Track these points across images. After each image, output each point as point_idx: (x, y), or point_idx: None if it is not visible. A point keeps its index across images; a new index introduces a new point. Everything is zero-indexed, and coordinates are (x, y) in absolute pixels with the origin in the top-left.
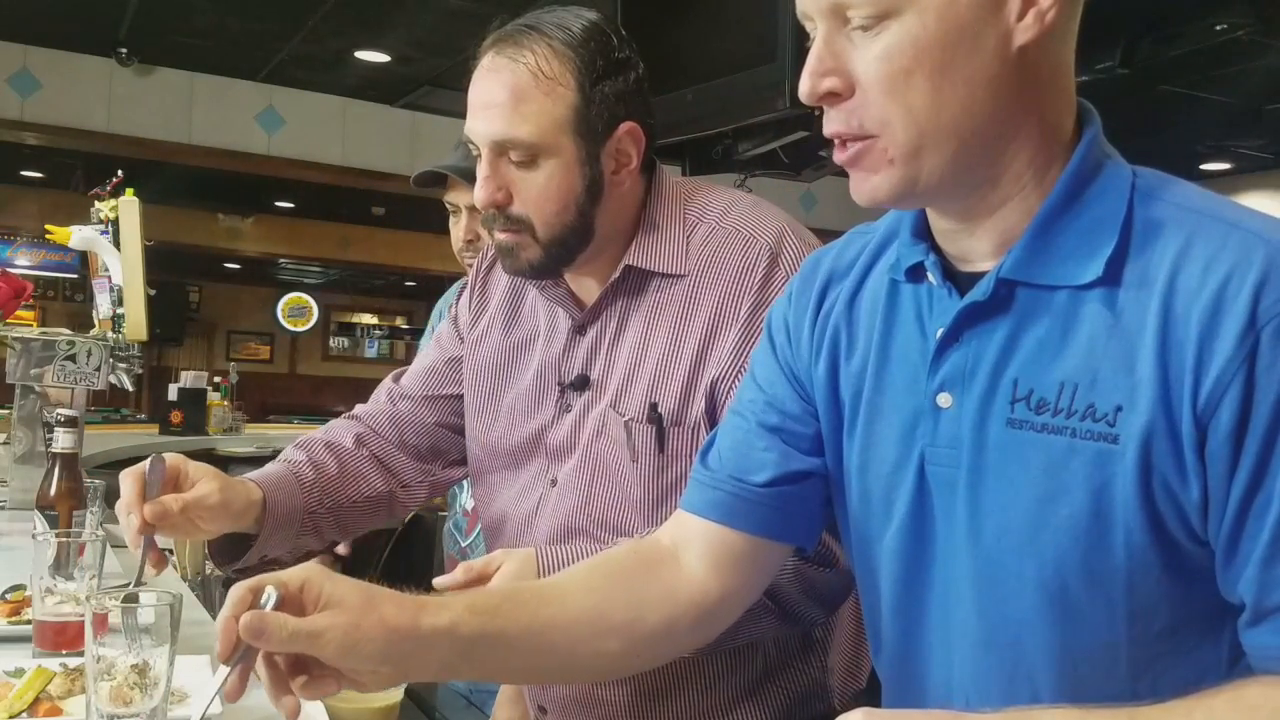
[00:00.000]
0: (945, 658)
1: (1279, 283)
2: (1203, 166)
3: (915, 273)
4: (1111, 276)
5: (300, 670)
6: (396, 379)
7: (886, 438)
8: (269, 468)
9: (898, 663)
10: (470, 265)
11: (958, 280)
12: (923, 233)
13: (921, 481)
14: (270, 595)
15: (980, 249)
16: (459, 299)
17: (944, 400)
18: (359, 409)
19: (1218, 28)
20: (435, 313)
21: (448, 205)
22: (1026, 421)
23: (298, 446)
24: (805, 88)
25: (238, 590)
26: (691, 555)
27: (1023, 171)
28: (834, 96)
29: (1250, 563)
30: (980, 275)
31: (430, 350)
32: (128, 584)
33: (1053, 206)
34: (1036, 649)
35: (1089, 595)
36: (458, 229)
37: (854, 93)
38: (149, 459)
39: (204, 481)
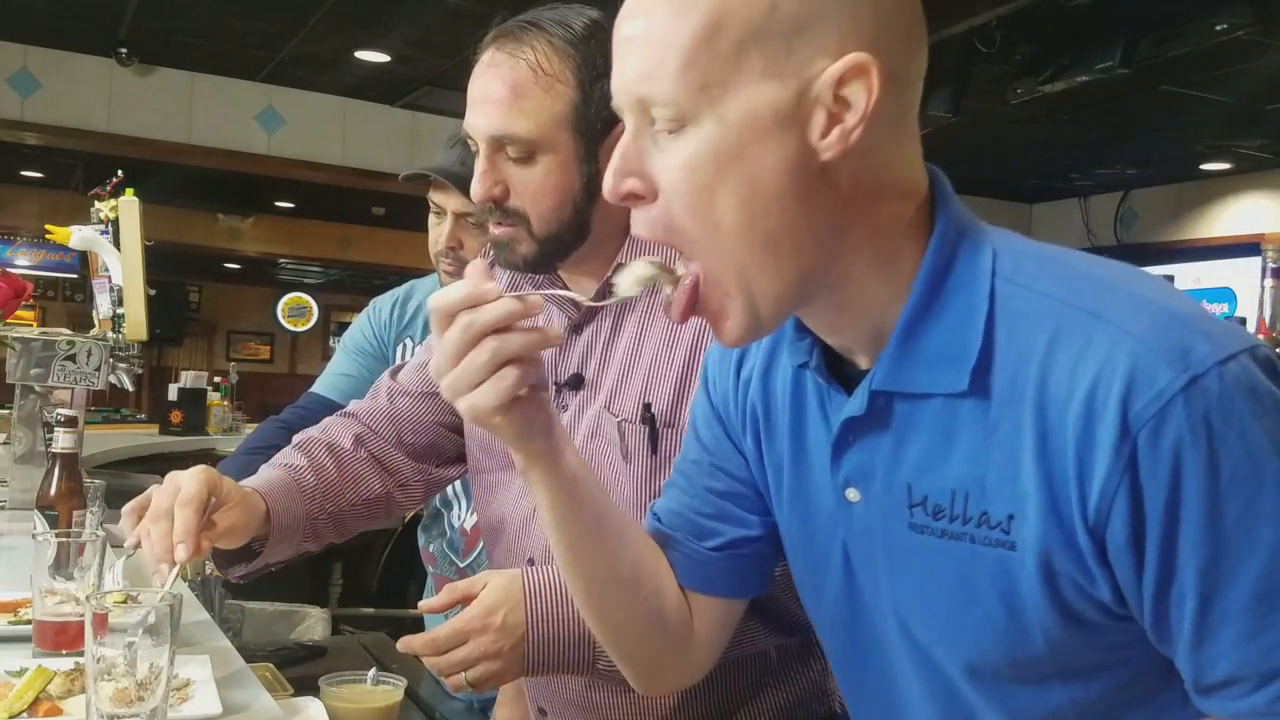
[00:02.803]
0: (899, 714)
1: (1146, 385)
2: (1203, 166)
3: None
4: (979, 389)
5: None
6: (394, 374)
7: (812, 521)
8: (271, 474)
9: (857, 705)
10: (447, 271)
11: (845, 378)
12: (805, 326)
13: (848, 567)
14: None
15: (855, 344)
16: None
17: (852, 495)
18: (355, 406)
19: (1218, 28)
20: (366, 321)
21: (432, 204)
22: (927, 527)
23: (297, 448)
24: (608, 186)
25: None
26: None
27: (864, 273)
28: (636, 198)
29: (1180, 651)
30: (865, 372)
31: (432, 345)
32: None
33: (913, 310)
34: (989, 716)
35: (1024, 678)
36: (438, 230)
37: (656, 197)
38: (207, 495)
39: (234, 509)
